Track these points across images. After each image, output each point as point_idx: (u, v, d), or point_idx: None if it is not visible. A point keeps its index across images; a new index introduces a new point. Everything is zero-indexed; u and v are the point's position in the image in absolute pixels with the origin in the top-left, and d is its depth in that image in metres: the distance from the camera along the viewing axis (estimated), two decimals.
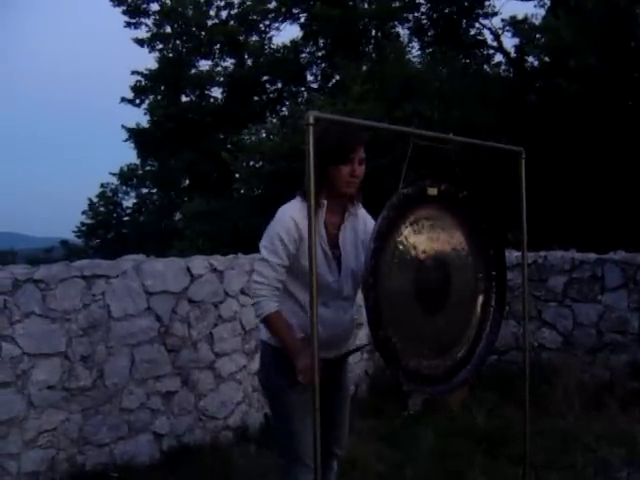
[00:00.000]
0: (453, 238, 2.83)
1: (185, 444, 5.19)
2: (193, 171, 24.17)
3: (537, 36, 14.34)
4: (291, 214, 2.94)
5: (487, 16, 22.52)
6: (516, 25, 19.97)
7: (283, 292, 2.99)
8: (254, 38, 25.78)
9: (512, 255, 6.37)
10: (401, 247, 2.61)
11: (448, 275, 2.81)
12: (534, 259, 7.03)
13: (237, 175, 19.86)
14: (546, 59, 13.40)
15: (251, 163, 17.20)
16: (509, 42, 25.86)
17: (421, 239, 2.69)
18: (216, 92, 26.02)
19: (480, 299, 2.98)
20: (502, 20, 21.43)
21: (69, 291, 4.55)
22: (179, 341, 5.21)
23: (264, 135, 18.09)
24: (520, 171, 3.17)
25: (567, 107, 11.13)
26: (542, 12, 19.84)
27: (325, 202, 2.99)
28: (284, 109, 24.80)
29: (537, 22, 18.58)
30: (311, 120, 2.25)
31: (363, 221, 3.21)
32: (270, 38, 25.74)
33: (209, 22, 25.26)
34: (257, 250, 6.23)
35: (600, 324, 6.86)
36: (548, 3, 20.30)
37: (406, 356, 2.65)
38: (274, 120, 22.66)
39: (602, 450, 4.97)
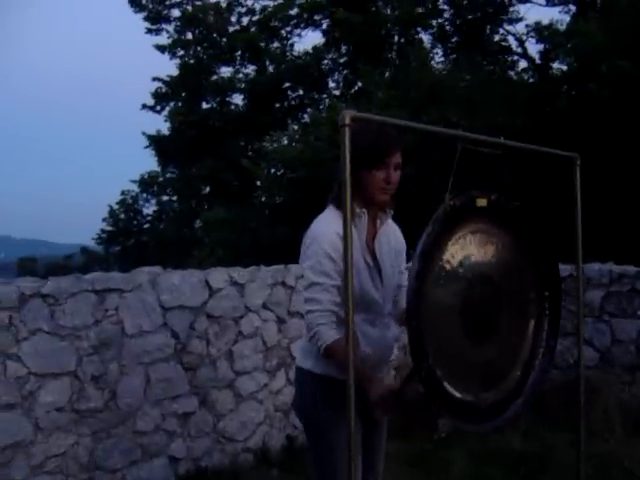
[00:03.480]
0: (503, 255, 2.50)
1: (203, 468, 4.89)
2: (214, 179, 24.01)
3: (566, 41, 13.95)
4: (334, 229, 2.60)
5: (511, 22, 22.23)
6: (541, 31, 19.66)
7: None
8: (275, 45, 25.70)
9: None
10: (448, 266, 2.29)
11: (498, 297, 2.48)
12: (569, 272, 6.67)
13: (258, 183, 19.63)
14: (575, 64, 13.03)
15: (272, 171, 16.95)
16: (533, 48, 25.46)
17: (469, 257, 2.37)
18: (237, 99, 26.00)
19: (532, 323, 2.65)
20: (526, 26, 21.18)
21: (79, 306, 4.27)
22: (197, 359, 4.92)
23: (285, 142, 17.84)
24: (575, 178, 2.85)
25: (598, 112, 10.76)
26: (567, 18, 19.60)
27: (365, 211, 2.69)
28: (305, 116, 24.61)
29: (562, 28, 18.34)
30: (347, 120, 1.94)
31: (393, 231, 2.94)
32: (291, 45, 25.73)
33: (230, 28, 25.17)
34: (279, 261, 6.03)
35: None
36: (573, 9, 20.00)
37: (452, 391, 2.33)
38: (295, 127, 22.44)
39: None
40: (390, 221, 2.92)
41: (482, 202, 2.39)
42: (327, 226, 2.68)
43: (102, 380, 4.36)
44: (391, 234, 2.90)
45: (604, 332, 6.64)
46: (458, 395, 2.40)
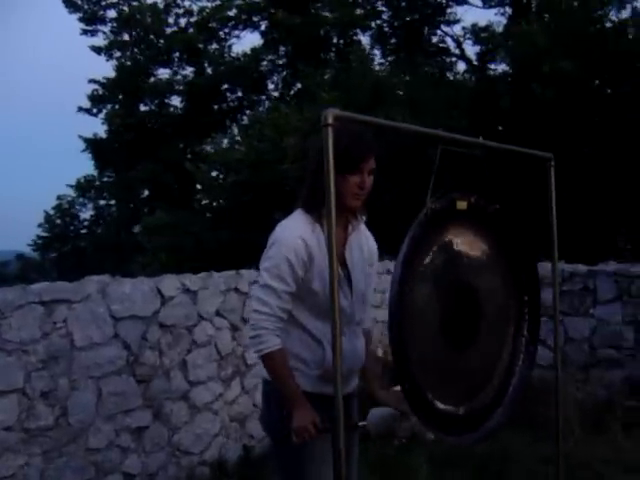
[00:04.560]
0: (484, 260, 2.42)
1: None
2: (153, 182, 23.60)
3: (507, 42, 14.08)
4: (299, 233, 2.53)
5: (449, 24, 22.45)
6: (477, 33, 19.90)
7: (289, 322, 2.58)
8: (214, 46, 25.39)
9: None
10: (430, 272, 2.20)
11: (479, 304, 2.40)
12: None
13: (199, 186, 19.35)
14: (517, 65, 13.14)
15: (214, 173, 16.71)
16: (471, 50, 25.75)
17: (451, 262, 2.28)
18: (175, 101, 25.58)
19: (512, 329, 2.57)
20: (463, 28, 21.46)
21: (26, 319, 4.04)
22: (150, 370, 4.73)
23: (226, 145, 17.62)
24: (549, 179, 2.78)
25: (542, 113, 10.85)
26: (502, 20, 19.91)
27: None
28: (245, 118, 24.39)
29: (499, 30, 18.58)
30: (330, 119, 1.82)
31: (365, 237, 2.82)
32: (230, 46, 25.42)
33: (168, 30, 24.81)
34: (224, 264, 5.87)
35: (593, 339, 6.55)
36: (509, 11, 20.30)
37: (436, 402, 2.24)
38: (235, 129, 22.24)
39: (614, 478, 4.61)
40: (363, 227, 2.82)
41: (462, 205, 2.31)
42: (292, 230, 2.58)
43: (52, 396, 4.13)
44: (363, 241, 2.79)
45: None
46: (441, 406, 2.31)
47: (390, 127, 2.19)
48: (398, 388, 2.31)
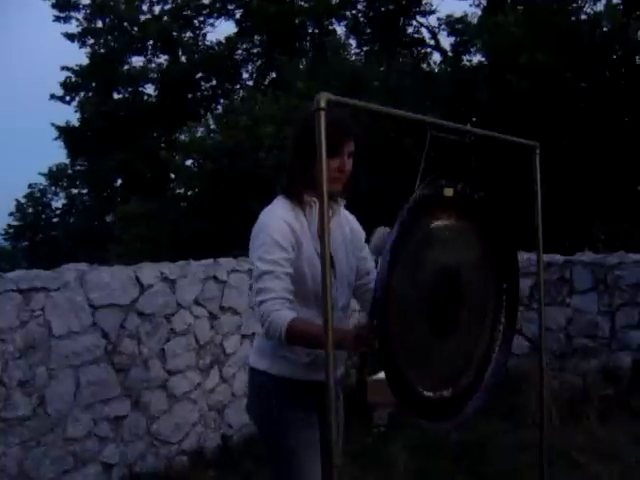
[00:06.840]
0: (467, 246, 2.44)
1: (137, 473, 4.69)
2: (127, 171, 23.40)
3: (482, 34, 14.09)
4: (282, 217, 2.50)
5: (424, 14, 22.47)
6: (452, 24, 19.93)
7: None
8: (188, 34, 25.22)
9: None
10: (417, 258, 2.20)
11: (460, 290, 2.41)
12: None
13: (172, 175, 19.25)
14: (492, 56, 13.18)
15: (190, 162, 16.62)
16: (445, 41, 25.86)
17: (437, 248, 2.29)
18: (149, 89, 25.37)
19: (490, 315, 2.58)
20: (438, 19, 21.48)
21: (4, 307, 3.99)
22: (128, 359, 4.70)
23: (200, 133, 17.52)
24: (534, 167, 2.80)
25: (518, 104, 10.90)
26: (477, 12, 19.95)
27: (316, 201, 2.54)
28: (219, 107, 24.27)
29: (474, 21, 18.61)
30: (322, 104, 1.81)
31: (347, 221, 2.82)
32: (204, 34, 25.25)
33: (142, 17, 24.57)
34: (201, 254, 5.83)
35: (569, 328, 6.61)
36: (484, 2, 20.36)
37: (419, 388, 2.25)
38: (210, 118, 22.13)
39: (592, 466, 4.65)
40: (344, 211, 2.80)
41: (449, 192, 2.31)
42: (275, 215, 2.55)
43: (29, 385, 4.09)
44: (345, 224, 2.78)
45: (533, 320, 6.70)
46: (422, 391, 2.32)
47: (380, 112, 2.18)
48: (381, 375, 2.32)
